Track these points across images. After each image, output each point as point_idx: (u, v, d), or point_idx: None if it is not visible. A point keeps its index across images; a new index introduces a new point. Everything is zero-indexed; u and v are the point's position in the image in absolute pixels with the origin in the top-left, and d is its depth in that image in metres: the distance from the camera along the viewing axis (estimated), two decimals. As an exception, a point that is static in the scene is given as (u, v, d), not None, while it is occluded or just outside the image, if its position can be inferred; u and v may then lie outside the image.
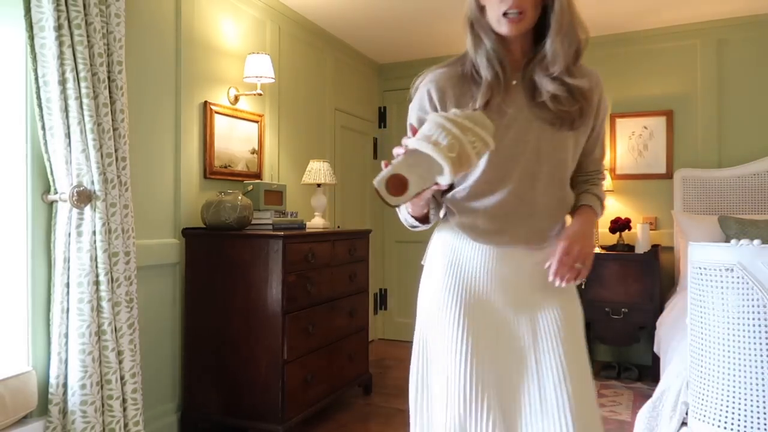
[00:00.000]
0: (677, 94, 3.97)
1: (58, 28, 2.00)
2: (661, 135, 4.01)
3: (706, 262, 1.41)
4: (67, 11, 2.03)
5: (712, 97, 3.87)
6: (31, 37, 2.00)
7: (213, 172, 2.98)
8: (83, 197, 2.08)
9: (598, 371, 3.78)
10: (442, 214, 1.36)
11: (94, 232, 2.12)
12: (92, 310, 2.09)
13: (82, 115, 2.08)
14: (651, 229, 3.98)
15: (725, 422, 1.37)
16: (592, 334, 3.64)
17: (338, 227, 4.17)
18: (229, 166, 3.10)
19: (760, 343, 1.33)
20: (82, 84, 2.07)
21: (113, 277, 2.18)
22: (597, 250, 3.76)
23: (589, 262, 1.22)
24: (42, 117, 2.03)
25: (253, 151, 3.30)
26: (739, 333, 1.35)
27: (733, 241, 1.38)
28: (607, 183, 3.92)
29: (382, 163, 1.03)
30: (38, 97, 2.02)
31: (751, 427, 1.33)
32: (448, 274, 1.30)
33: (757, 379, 1.33)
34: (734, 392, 1.36)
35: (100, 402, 2.11)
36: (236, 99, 3.16)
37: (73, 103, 2.05)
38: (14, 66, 2.08)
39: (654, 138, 4.03)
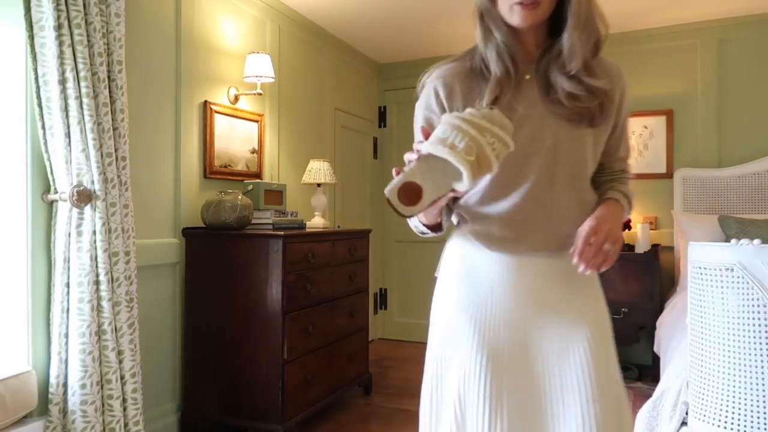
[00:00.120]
0: (677, 94, 3.97)
1: (58, 27, 2.00)
2: (661, 134, 4.01)
3: (706, 261, 1.41)
4: (67, 11, 2.03)
5: (712, 97, 3.87)
6: (31, 37, 2.00)
7: (213, 171, 2.98)
8: (83, 197, 2.08)
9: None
10: (455, 219, 1.27)
11: (94, 232, 2.12)
12: (92, 309, 2.09)
13: (82, 115, 2.08)
14: (651, 229, 3.98)
15: (725, 422, 1.37)
16: (592, 334, 3.63)
17: (338, 227, 4.17)
18: (229, 165, 3.10)
19: (760, 343, 1.33)
20: (82, 83, 2.06)
21: (113, 276, 2.18)
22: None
23: (618, 247, 1.09)
24: (42, 116, 2.03)
25: (253, 151, 3.30)
26: (739, 333, 1.35)
27: (733, 241, 1.38)
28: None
29: (393, 171, 0.97)
30: (38, 97, 2.02)
31: (751, 427, 1.33)
32: (462, 287, 1.21)
33: (757, 379, 1.33)
34: (734, 392, 1.36)
35: (100, 402, 2.11)
36: (236, 99, 3.16)
37: (73, 103, 2.05)
38: (14, 66, 2.08)
39: (654, 137, 4.03)
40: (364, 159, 4.77)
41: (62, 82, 2.03)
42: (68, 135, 2.06)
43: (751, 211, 3.67)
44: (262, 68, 3.02)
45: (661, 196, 4.01)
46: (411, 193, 0.94)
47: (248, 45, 3.27)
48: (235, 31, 3.18)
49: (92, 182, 2.10)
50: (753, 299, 1.33)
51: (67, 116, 2.05)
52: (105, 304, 2.13)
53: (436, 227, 1.22)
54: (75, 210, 2.09)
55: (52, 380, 2.06)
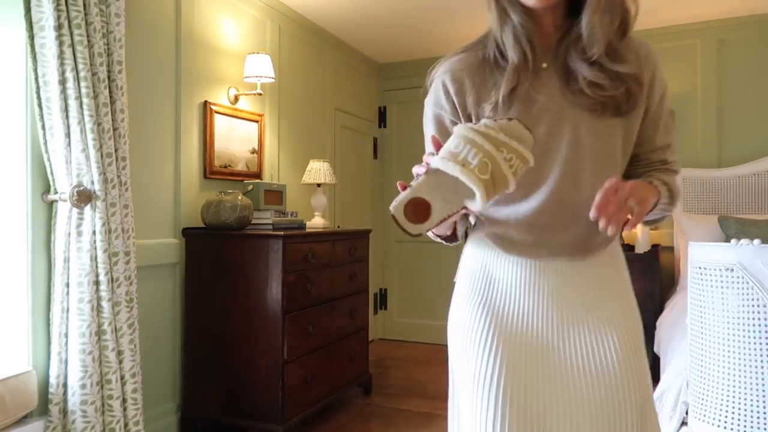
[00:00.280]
0: (677, 94, 3.97)
1: (58, 27, 2.00)
2: (661, 135, 4.00)
3: (706, 261, 1.41)
4: (67, 11, 2.03)
5: (712, 97, 3.87)
6: (31, 37, 2.00)
7: (213, 171, 2.98)
8: (83, 197, 2.08)
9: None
10: (472, 220, 1.17)
11: (94, 232, 2.12)
12: (92, 309, 2.09)
13: (82, 115, 2.08)
14: (651, 229, 3.98)
15: (725, 422, 1.37)
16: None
17: (338, 227, 4.17)
18: (229, 165, 3.10)
19: (760, 343, 1.33)
20: (82, 84, 2.06)
21: (113, 276, 2.18)
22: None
23: (643, 209, 0.96)
24: (42, 117, 2.03)
25: (253, 151, 3.30)
26: (739, 333, 1.35)
27: (733, 241, 1.38)
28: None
29: (398, 185, 0.89)
30: (38, 97, 2.02)
31: (751, 427, 1.33)
32: (478, 292, 1.11)
33: (757, 379, 1.33)
34: (734, 392, 1.36)
35: (100, 402, 2.11)
36: (236, 99, 3.16)
37: (73, 103, 2.05)
38: (14, 66, 2.08)
39: (654, 138, 4.02)
40: (364, 159, 4.77)
41: (62, 82, 2.03)
42: (68, 135, 2.06)
43: (751, 211, 3.67)
44: (262, 68, 3.02)
45: (661, 196, 4.01)
46: (419, 210, 0.86)
47: (248, 45, 3.27)
48: (235, 31, 3.18)
49: (92, 182, 2.10)
50: (753, 299, 1.33)
51: (67, 116, 2.05)
52: (105, 304, 2.13)
53: (450, 238, 1.14)
54: (75, 210, 2.09)
55: (52, 380, 2.06)
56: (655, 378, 2.93)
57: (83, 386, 2.05)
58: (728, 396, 1.37)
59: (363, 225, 4.62)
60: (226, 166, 3.07)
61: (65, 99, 2.04)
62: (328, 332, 2.95)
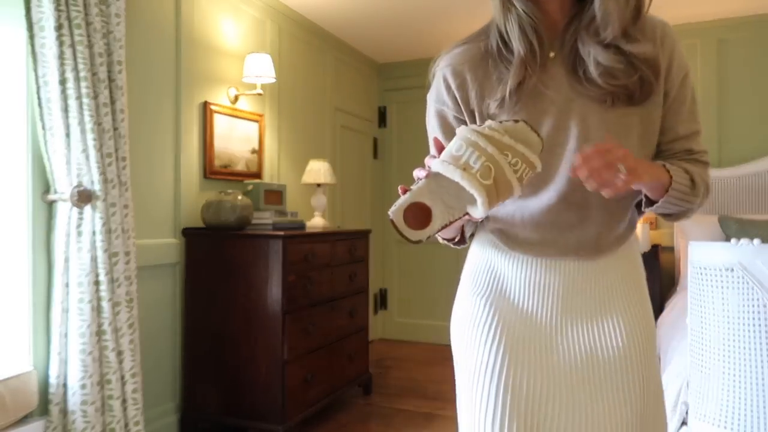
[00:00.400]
0: (677, 94, 3.97)
1: (59, 27, 2.00)
2: (661, 135, 4.01)
3: (706, 261, 1.41)
4: (68, 11, 2.03)
5: (712, 97, 3.87)
6: (32, 37, 2.00)
7: (213, 171, 2.98)
8: (84, 197, 2.08)
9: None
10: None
11: (94, 232, 2.12)
12: (92, 310, 2.09)
13: (82, 115, 2.08)
14: (651, 229, 3.98)
15: (725, 422, 1.37)
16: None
17: (338, 227, 4.17)
18: (229, 165, 3.10)
19: (760, 343, 1.33)
20: (82, 84, 2.06)
21: (113, 277, 2.18)
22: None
23: (632, 179, 0.85)
24: (42, 117, 2.03)
25: (253, 151, 3.30)
26: (739, 333, 1.35)
27: (733, 241, 1.38)
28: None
29: (399, 189, 0.84)
30: (38, 97, 2.02)
31: (751, 427, 1.33)
32: (483, 286, 1.06)
33: (757, 379, 1.33)
34: (734, 392, 1.36)
35: (100, 402, 2.12)
36: (236, 99, 3.16)
37: (73, 103, 2.05)
38: (14, 66, 2.08)
39: (654, 138, 4.03)
40: (364, 159, 4.77)
41: (62, 82, 2.03)
42: (68, 135, 2.06)
43: (751, 211, 3.67)
44: (262, 68, 3.02)
45: (661, 196, 4.01)
46: (419, 216, 0.82)
47: (248, 45, 3.27)
48: (235, 31, 3.18)
49: (92, 182, 2.11)
50: (753, 299, 1.33)
51: (67, 116, 2.05)
52: (105, 304, 2.13)
53: (458, 241, 1.10)
54: (75, 210, 2.09)
55: (52, 380, 2.06)
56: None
57: (83, 386, 2.05)
58: (728, 396, 1.37)
59: (363, 225, 4.63)
60: (226, 166, 3.07)
61: (65, 99, 2.04)
62: (328, 332, 2.95)
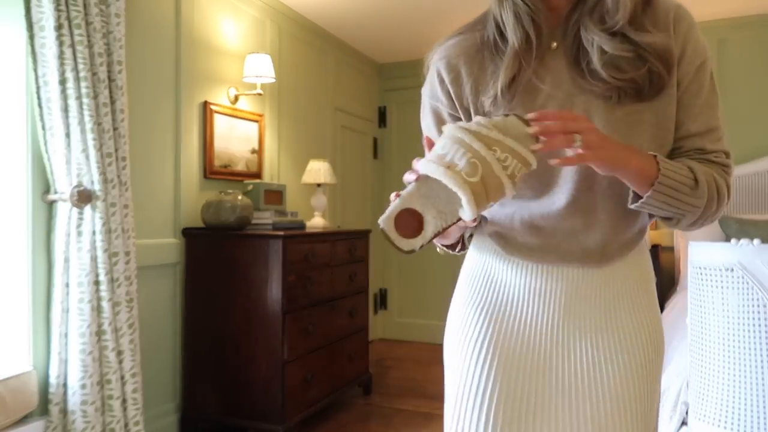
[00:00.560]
0: (677, 94, 3.97)
1: (59, 27, 2.00)
2: (661, 135, 4.01)
3: (706, 261, 1.41)
4: (68, 11, 2.03)
5: (712, 97, 3.87)
6: (32, 37, 2.00)
7: (213, 171, 2.98)
8: (84, 197, 2.08)
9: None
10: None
11: (94, 232, 2.12)
12: (92, 310, 2.09)
13: (82, 115, 2.08)
14: (651, 229, 3.98)
15: (725, 422, 1.37)
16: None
17: (338, 227, 4.17)
18: (229, 165, 3.10)
19: (760, 343, 1.33)
20: (82, 84, 2.07)
21: (113, 277, 2.18)
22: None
23: (592, 156, 0.76)
24: (42, 117, 2.03)
25: (253, 151, 3.30)
26: (739, 333, 1.35)
27: (733, 241, 1.38)
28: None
29: (392, 195, 0.78)
30: (38, 97, 2.02)
31: (751, 427, 1.33)
32: (478, 294, 0.99)
33: (757, 379, 1.33)
34: (734, 392, 1.36)
35: (100, 402, 2.12)
36: (236, 99, 3.16)
37: (73, 103, 2.05)
38: (14, 66, 2.08)
39: (654, 138, 4.03)
40: (364, 159, 4.77)
41: (62, 82, 2.03)
42: (68, 135, 2.06)
43: (751, 211, 3.67)
44: (262, 68, 3.02)
45: (661, 196, 4.01)
46: (410, 223, 0.76)
47: (248, 45, 3.27)
48: (235, 31, 3.18)
49: (92, 182, 2.11)
50: (753, 299, 1.33)
51: (67, 116, 2.05)
52: (105, 304, 2.13)
53: (454, 246, 1.04)
54: (75, 210, 2.09)
55: (52, 380, 2.06)
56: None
57: (83, 386, 2.05)
58: (728, 396, 1.37)
59: (363, 225, 4.63)
60: (226, 166, 3.07)
61: (65, 99, 2.04)
62: (328, 332, 2.95)
